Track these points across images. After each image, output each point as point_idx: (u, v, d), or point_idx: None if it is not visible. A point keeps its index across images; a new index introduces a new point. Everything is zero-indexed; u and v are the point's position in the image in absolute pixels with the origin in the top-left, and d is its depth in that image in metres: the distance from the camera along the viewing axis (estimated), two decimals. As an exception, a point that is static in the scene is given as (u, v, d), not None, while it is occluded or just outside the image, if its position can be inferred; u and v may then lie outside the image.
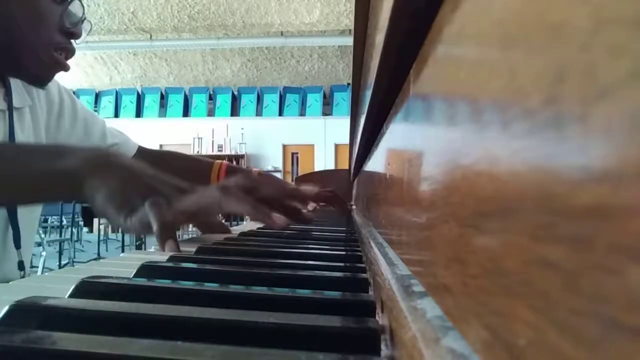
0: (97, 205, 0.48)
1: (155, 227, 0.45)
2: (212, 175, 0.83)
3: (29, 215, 0.73)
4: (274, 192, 0.59)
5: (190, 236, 0.61)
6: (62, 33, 0.66)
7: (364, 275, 0.32)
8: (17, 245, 0.68)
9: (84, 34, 0.71)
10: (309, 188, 0.72)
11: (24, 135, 0.70)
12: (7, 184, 0.48)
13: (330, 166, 7.61)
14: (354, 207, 1.33)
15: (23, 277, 0.68)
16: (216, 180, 0.82)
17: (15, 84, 0.70)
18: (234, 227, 0.79)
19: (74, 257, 4.20)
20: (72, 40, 0.68)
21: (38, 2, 0.63)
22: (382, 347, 0.20)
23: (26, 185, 0.49)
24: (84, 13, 0.69)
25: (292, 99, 8.21)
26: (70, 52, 0.68)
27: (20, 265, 0.69)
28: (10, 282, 0.31)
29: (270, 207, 0.55)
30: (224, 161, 0.87)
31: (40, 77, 0.67)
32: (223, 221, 0.76)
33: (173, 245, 0.46)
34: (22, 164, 0.48)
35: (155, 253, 0.47)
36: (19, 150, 0.53)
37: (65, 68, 0.68)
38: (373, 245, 0.36)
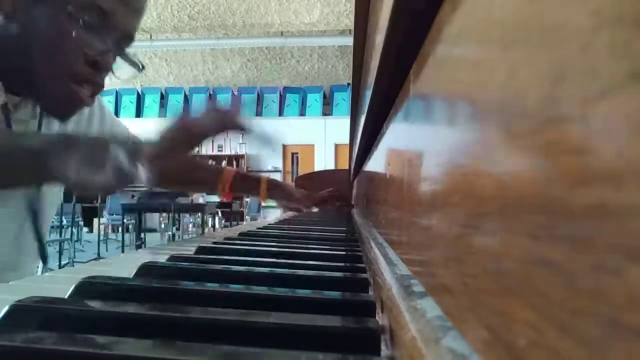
0: (69, 177, 0.46)
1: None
2: (219, 185, 0.84)
3: (47, 213, 0.72)
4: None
5: (190, 236, 0.61)
6: (87, 63, 0.57)
7: (364, 275, 0.32)
8: (44, 260, 0.67)
9: (130, 72, 0.62)
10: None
11: None
12: None
13: (330, 166, 7.61)
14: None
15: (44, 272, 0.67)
16: (223, 189, 0.83)
17: None
18: (234, 227, 0.79)
19: (74, 257, 4.19)
20: (115, 77, 0.60)
21: (58, 24, 0.54)
22: (382, 347, 0.20)
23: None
24: (121, 45, 0.58)
25: (292, 99, 8.21)
26: (99, 87, 0.60)
27: (43, 259, 0.68)
28: (10, 282, 0.31)
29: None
30: (231, 168, 0.87)
31: (57, 110, 0.59)
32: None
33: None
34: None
35: (155, 253, 0.47)
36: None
37: (86, 104, 0.59)
38: (373, 245, 0.36)
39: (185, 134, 0.52)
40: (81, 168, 0.46)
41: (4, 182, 0.54)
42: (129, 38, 0.61)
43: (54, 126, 0.67)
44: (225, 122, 0.53)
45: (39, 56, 0.55)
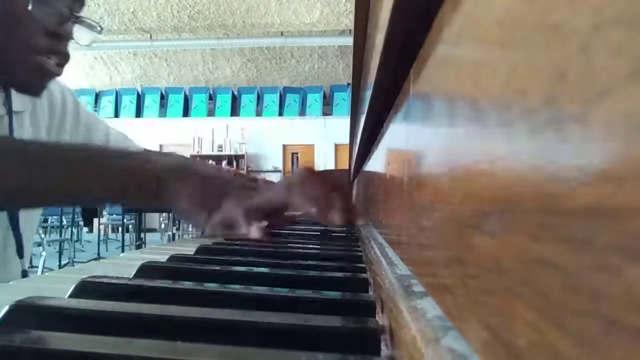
0: (179, 210, 0.52)
1: (239, 219, 0.51)
2: None
3: (30, 224, 0.72)
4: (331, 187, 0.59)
5: (190, 236, 0.61)
6: (47, 35, 0.59)
7: (364, 275, 0.32)
8: (20, 255, 0.67)
9: (89, 35, 0.64)
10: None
11: (25, 137, 0.69)
12: (97, 183, 0.50)
13: (330, 166, 7.61)
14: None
15: None
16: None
17: None
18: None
19: (74, 257, 4.20)
20: (74, 43, 0.62)
21: (11, 1, 0.56)
22: (382, 347, 0.20)
23: (113, 186, 0.51)
24: (71, 11, 0.61)
25: (292, 99, 8.21)
26: (64, 57, 0.61)
27: (24, 274, 0.68)
28: (10, 282, 0.31)
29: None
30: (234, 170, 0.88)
31: (29, 85, 0.61)
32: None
33: (260, 230, 0.51)
34: (111, 166, 0.50)
35: (155, 253, 0.47)
36: (106, 152, 0.54)
37: (55, 74, 0.61)
38: (373, 245, 0.36)
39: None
40: (194, 204, 0.51)
41: (118, 199, 0.58)
42: (80, 2, 0.63)
43: (25, 121, 0.68)
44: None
45: (3, 33, 0.57)
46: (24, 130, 0.69)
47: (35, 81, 0.61)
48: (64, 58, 0.62)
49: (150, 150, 0.58)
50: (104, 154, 0.53)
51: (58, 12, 0.59)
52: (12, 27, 0.57)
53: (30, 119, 0.70)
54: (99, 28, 0.67)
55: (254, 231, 0.51)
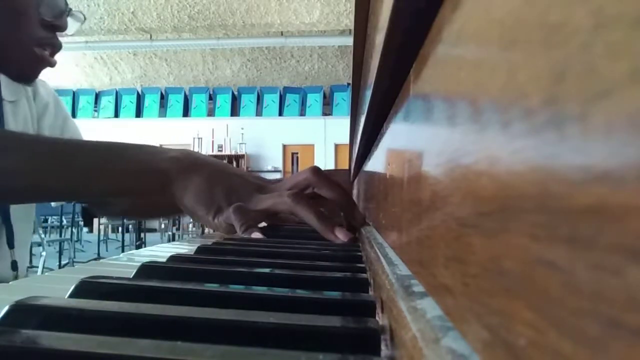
0: (185, 205, 0.50)
1: (239, 230, 0.49)
2: None
3: (24, 215, 0.72)
4: (336, 194, 0.55)
5: (191, 236, 0.61)
6: (44, 27, 0.62)
7: (364, 275, 0.32)
8: (11, 245, 0.68)
9: (74, 25, 0.67)
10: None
11: (16, 128, 0.70)
12: (104, 177, 0.50)
13: (330, 166, 7.62)
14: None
15: (16, 277, 0.68)
16: None
17: (5, 77, 0.69)
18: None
19: (74, 257, 4.20)
20: (61, 34, 0.65)
21: None
22: (382, 347, 0.20)
23: (119, 179, 0.50)
24: (66, 3, 0.65)
25: (292, 99, 8.22)
26: (56, 47, 0.65)
27: (14, 265, 0.69)
28: (10, 282, 0.31)
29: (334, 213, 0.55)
30: None
31: (23, 74, 0.65)
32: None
33: (258, 234, 0.49)
34: (117, 159, 0.50)
35: (155, 253, 0.47)
36: (112, 146, 0.54)
37: (50, 64, 0.65)
38: (373, 245, 0.36)
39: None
40: (199, 202, 0.50)
41: (126, 193, 0.57)
42: None
43: (20, 109, 0.69)
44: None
45: (3, 24, 0.60)
46: (17, 119, 0.70)
47: (31, 70, 0.64)
48: (57, 48, 0.65)
49: (156, 147, 0.57)
50: (107, 148, 0.52)
51: (58, 5, 0.63)
52: (16, 18, 0.60)
53: (21, 109, 0.72)
54: (82, 17, 0.71)
55: (254, 234, 0.50)
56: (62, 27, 0.65)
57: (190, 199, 0.50)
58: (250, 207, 0.51)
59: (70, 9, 0.66)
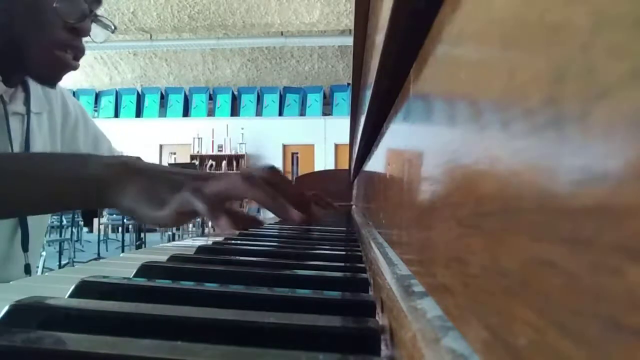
0: (125, 206, 0.48)
1: (202, 208, 0.45)
2: None
3: (39, 218, 0.72)
4: (293, 190, 0.57)
5: (191, 236, 0.60)
6: (67, 30, 0.63)
7: (364, 275, 0.32)
8: (25, 248, 0.68)
9: (103, 33, 0.67)
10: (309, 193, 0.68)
11: (41, 138, 0.70)
12: (34, 192, 0.48)
13: (330, 166, 7.61)
14: (353, 206, 1.33)
15: None
16: None
17: (35, 89, 0.70)
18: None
19: (74, 257, 4.20)
20: (89, 40, 0.65)
21: None
22: (382, 347, 0.20)
23: (52, 192, 0.48)
24: (90, 9, 0.65)
25: (292, 99, 8.21)
26: (80, 51, 0.65)
27: (27, 269, 0.69)
28: (11, 282, 0.31)
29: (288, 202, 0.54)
30: None
31: (46, 77, 0.65)
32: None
33: (228, 220, 0.45)
34: (46, 172, 0.48)
35: (155, 253, 0.47)
36: (41, 159, 0.52)
37: (73, 67, 0.65)
38: (373, 245, 0.36)
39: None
40: (141, 199, 0.47)
41: (59, 207, 0.54)
42: (98, 1, 0.67)
43: (44, 122, 0.69)
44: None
45: (24, 28, 0.60)
46: (43, 131, 0.71)
47: (53, 73, 0.65)
48: (80, 52, 0.65)
49: (92, 155, 0.55)
50: (38, 161, 0.50)
51: (80, 9, 0.63)
52: (37, 20, 0.60)
53: (48, 122, 0.72)
54: (112, 27, 0.71)
55: (221, 221, 0.46)
56: (85, 31, 0.65)
57: (130, 199, 0.47)
58: (203, 192, 0.47)
59: (97, 15, 0.66)
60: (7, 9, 0.60)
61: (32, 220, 0.68)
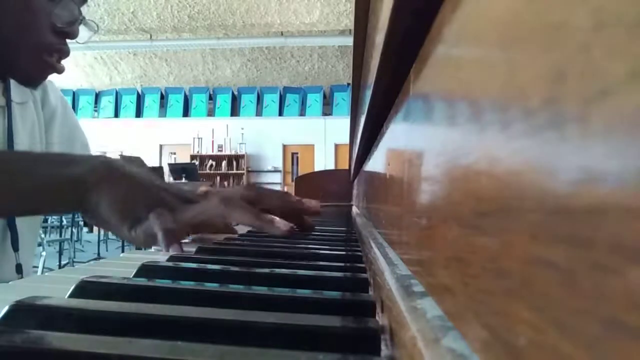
0: (99, 214, 0.47)
1: (159, 235, 0.45)
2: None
3: (29, 218, 0.72)
4: (277, 202, 0.56)
5: (190, 237, 0.60)
6: (55, 33, 0.62)
7: (364, 275, 0.32)
8: (15, 248, 0.67)
9: (86, 34, 0.67)
10: (312, 202, 0.67)
11: (24, 130, 0.69)
12: (9, 194, 0.46)
13: (330, 166, 7.61)
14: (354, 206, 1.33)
15: None
16: None
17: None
18: (235, 228, 0.79)
19: (74, 257, 4.19)
20: (71, 41, 0.65)
21: (28, 1, 0.59)
22: (382, 347, 0.20)
23: (30, 195, 0.46)
24: (80, 12, 0.64)
25: (292, 99, 8.22)
26: (64, 53, 0.64)
27: (18, 269, 0.68)
28: (10, 282, 0.31)
29: (276, 214, 0.54)
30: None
31: (31, 79, 0.64)
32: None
33: (178, 248, 0.45)
34: (24, 173, 0.46)
35: (155, 253, 0.47)
36: (21, 158, 0.50)
37: (58, 70, 0.64)
38: (373, 245, 0.36)
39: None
40: (115, 210, 0.46)
41: (38, 210, 0.53)
42: (84, 1, 0.66)
43: (27, 112, 0.68)
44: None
45: (11, 30, 0.59)
46: (27, 122, 0.70)
47: (37, 75, 0.64)
48: (65, 54, 0.65)
49: (73, 154, 0.53)
50: (16, 160, 0.48)
51: (71, 12, 0.63)
52: (26, 23, 0.59)
53: (36, 111, 0.71)
54: (96, 27, 0.70)
55: (174, 248, 0.45)
56: (73, 35, 0.64)
57: (105, 208, 0.46)
58: (176, 216, 0.47)
59: (84, 18, 0.66)
60: None
61: (22, 219, 0.68)
